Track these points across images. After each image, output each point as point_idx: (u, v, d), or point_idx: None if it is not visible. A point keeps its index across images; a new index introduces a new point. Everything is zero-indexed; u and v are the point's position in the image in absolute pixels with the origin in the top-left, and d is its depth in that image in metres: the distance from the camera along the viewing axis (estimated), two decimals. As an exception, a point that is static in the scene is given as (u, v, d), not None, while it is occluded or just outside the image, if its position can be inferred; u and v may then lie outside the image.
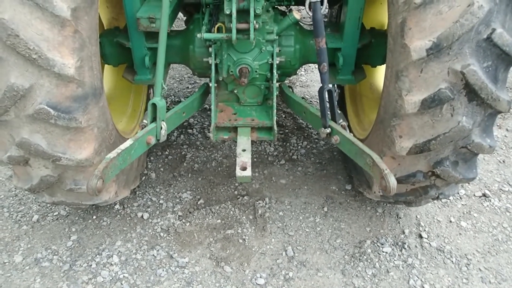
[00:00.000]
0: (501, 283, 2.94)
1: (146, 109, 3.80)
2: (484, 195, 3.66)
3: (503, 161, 4.07)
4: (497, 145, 3.44)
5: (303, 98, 5.07)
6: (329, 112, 2.71)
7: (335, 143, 2.69)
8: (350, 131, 3.57)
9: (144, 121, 2.75)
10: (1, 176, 3.81)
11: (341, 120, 2.80)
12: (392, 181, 2.21)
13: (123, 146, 2.43)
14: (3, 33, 2.08)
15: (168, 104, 4.83)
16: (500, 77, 2.24)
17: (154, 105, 2.64)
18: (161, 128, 2.68)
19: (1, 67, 2.17)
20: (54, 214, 3.43)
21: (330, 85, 2.71)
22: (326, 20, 4.72)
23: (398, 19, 2.28)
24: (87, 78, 2.37)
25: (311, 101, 5.03)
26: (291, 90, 3.48)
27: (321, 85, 2.66)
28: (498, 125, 4.60)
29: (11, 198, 3.59)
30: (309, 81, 5.49)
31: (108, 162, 2.28)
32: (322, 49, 2.56)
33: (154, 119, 2.67)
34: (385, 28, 3.15)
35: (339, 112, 3.12)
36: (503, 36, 2.11)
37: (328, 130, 2.70)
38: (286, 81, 4.46)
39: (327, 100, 2.68)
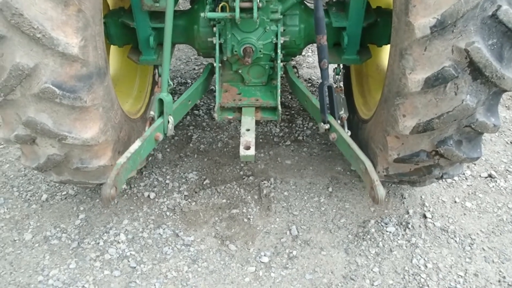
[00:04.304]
0: (504, 262, 2.95)
1: (152, 90, 3.84)
2: (490, 175, 3.65)
3: (511, 142, 4.04)
4: (501, 125, 3.42)
5: (309, 79, 5.05)
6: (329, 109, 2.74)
7: (332, 140, 2.74)
8: (356, 111, 3.56)
9: (151, 112, 2.78)
10: (11, 156, 3.87)
11: (342, 112, 2.82)
12: (381, 193, 2.28)
13: (132, 148, 2.48)
14: (8, 12, 2.09)
15: (174, 86, 4.85)
16: (505, 55, 2.21)
17: (161, 101, 2.68)
18: (168, 122, 2.74)
19: (6, 47, 2.20)
20: (63, 193, 3.49)
21: (331, 81, 2.75)
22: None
23: (403, -4, 2.25)
24: (91, 58, 2.39)
25: (317, 82, 5.00)
26: (295, 71, 3.47)
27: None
28: (506, 106, 4.55)
29: (20, 177, 3.65)
30: (316, 62, 5.45)
31: (119, 168, 2.33)
32: (323, 46, 2.61)
33: (161, 114, 2.72)
34: (391, 7, 3.13)
35: (343, 97, 3.13)
36: (508, 13, 2.08)
37: (327, 126, 2.74)
38: (292, 62, 4.45)
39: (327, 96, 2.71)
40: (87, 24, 2.32)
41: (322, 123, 2.77)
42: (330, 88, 2.70)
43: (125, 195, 3.45)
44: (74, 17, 2.24)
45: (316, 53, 5.53)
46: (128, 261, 2.96)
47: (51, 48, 2.20)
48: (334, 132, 2.74)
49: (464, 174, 3.65)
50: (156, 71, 4.02)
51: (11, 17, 2.10)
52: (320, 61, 2.66)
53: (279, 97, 3.16)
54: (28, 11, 2.11)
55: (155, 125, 2.69)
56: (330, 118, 2.75)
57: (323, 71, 2.68)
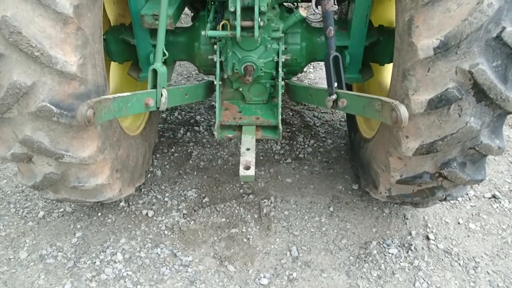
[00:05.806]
0: (510, 286, 2.88)
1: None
2: (493, 196, 3.59)
3: (514, 162, 3.99)
4: (506, 146, 3.36)
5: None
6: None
7: (342, 106, 2.51)
8: (357, 130, 3.53)
9: None
10: (9, 172, 3.83)
11: None
12: (403, 110, 2.01)
13: (121, 94, 2.33)
14: (6, 30, 2.08)
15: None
16: (510, 77, 2.18)
17: (154, 71, 2.52)
18: (162, 95, 2.55)
19: (4, 64, 2.17)
20: (60, 210, 3.43)
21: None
22: (335, 17, 4.66)
23: (406, 16, 2.23)
24: (90, 76, 2.36)
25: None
26: None
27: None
28: (510, 125, 4.51)
29: (17, 194, 3.60)
30: (317, 78, 5.44)
31: (103, 99, 2.17)
32: (328, 12, 2.44)
33: (154, 87, 2.55)
34: (394, 25, 3.11)
35: None
36: (513, 34, 2.06)
37: (334, 97, 2.53)
38: (293, 79, 4.41)
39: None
40: (86, 42, 2.30)
41: (329, 96, 2.54)
42: (336, 58, 2.49)
43: (123, 213, 3.40)
44: (73, 35, 2.22)
45: (318, 69, 5.55)
46: (125, 281, 2.90)
47: (49, 66, 2.17)
48: (342, 98, 2.51)
49: (467, 194, 3.59)
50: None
51: (9, 35, 2.08)
52: (325, 29, 2.46)
53: (280, 116, 3.12)
54: (26, 29, 2.09)
55: (148, 90, 2.50)
56: (337, 90, 2.54)
57: (329, 39, 2.47)
